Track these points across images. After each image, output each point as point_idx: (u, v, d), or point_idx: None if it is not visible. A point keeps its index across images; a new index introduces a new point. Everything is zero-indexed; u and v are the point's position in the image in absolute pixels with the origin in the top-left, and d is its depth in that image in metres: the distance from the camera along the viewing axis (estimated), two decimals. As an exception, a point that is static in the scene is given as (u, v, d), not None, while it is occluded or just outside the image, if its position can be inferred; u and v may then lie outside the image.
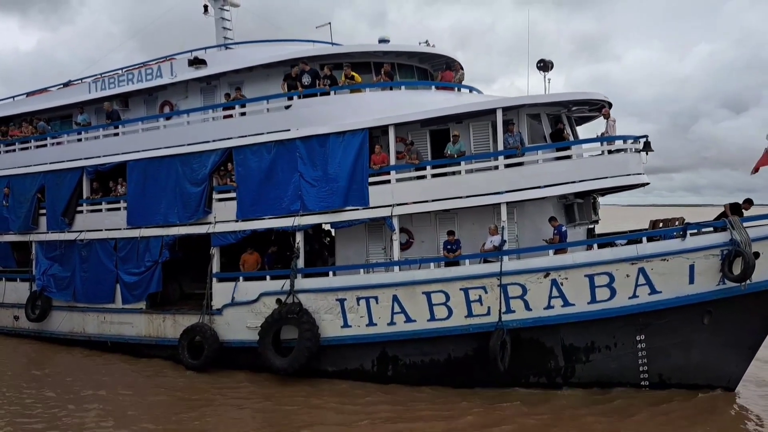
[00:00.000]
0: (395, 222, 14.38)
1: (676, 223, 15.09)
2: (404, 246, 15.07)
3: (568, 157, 13.91)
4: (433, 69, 18.07)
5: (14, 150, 20.66)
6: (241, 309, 15.40)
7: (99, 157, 18.30)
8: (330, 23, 18.48)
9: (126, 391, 14.02)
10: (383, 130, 14.98)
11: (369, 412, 12.36)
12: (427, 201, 14.26)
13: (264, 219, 15.55)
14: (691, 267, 12.59)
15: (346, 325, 14.44)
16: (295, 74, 15.63)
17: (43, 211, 19.50)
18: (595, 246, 13.26)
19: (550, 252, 13.40)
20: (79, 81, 20.62)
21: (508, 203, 13.76)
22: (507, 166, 13.78)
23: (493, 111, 14.21)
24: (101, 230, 18.08)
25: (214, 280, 16.06)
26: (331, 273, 15.02)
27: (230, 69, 17.23)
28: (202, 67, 17.57)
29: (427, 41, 17.45)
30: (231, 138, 16.04)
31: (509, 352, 13.03)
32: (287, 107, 15.67)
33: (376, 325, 14.21)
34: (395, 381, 14.21)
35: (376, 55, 16.60)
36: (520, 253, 13.69)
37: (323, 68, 15.67)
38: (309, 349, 14.17)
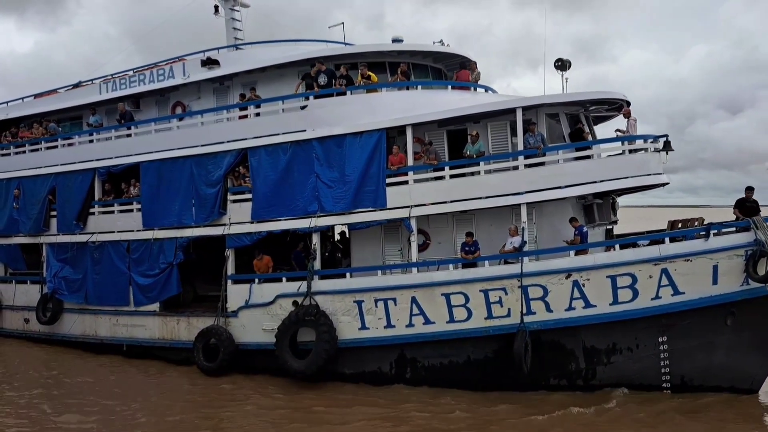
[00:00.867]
0: (413, 223, 14.24)
1: (695, 223, 14.97)
2: (421, 247, 14.93)
3: (588, 157, 13.79)
4: (447, 69, 17.94)
5: (24, 151, 20.53)
6: (256, 311, 15.27)
7: (111, 158, 18.17)
8: (343, 23, 18.34)
9: (140, 394, 13.92)
10: (400, 130, 14.86)
11: (394, 416, 12.18)
12: (445, 202, 14.12)
13: (280, 220, 15.42)
14: (715, 267, 12.47)
15: (363, 327, 14.31)
16: (313, 74, 15.47)
17: (54, 212, 19.36)
18: (617, 247, 13.13)
19: (571, 253, 13.26)
20: (90, 82, 20.50)
21: (528, 204, 13.61)
22: (527, 166, 13.64)
23: (510, 111, 14.08)
24: (113, 232, 17.94)
25: (229, 282, 15.92)
26: (348, 274, 14.88)
27: (243, 69, 17.11)
28: (215, 68, 17.45)
29: (441, 41, 17.32)
30: (246, 139, 15.91)
31: (531, 354, 12.90)
32: (303, 107, 15.53)
33: (394, 327, 14.08)
34: (413, 383, 14.08)
35: (391, 55, 16.46)
36: (541, 254, 13.55)
37: (338, 68, 15.53)
38: (327, 352, 14.03)
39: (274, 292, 15.10)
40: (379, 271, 14.51)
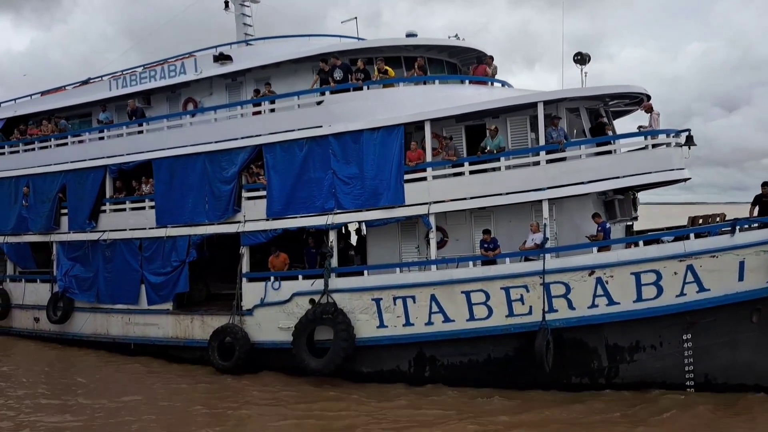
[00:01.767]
0: (432, 220, 14.04)
1: (717, 219, 14.79)
2: (439, 244, 14.69)
3: (609, 152, 13.58)
4: (461, 63, 17.72)
5: (33, 149, 20.33)
6: (272, 309, 15.08)
7: (122, 155, 17.98)
8: (356, 18, 18.14)
9: (159, 394, 13.76)
10: (417, 125, 14.66)
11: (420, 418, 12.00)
12: (465, 198, 13.92)
13: (296, 218, 15.22)
14: (741, 264, 12.26)
15: (382, 325, 14.12)
16: (327, 69, 15.25)
17: (65, 210, 19.17)
18: (641, 243, 12.94)
19: (594, 249, 13.06)
20: (99, 78, 20.29)
21: (549, 200, 13.41)
22: (549, 161, 13.43)
23: (530, 105, 13.89)
24: (125, 230, 17.75)
25: (244, 280, 15.73)
26: (365, 272, 14.68)
27: (257, 65, 16.89)
28: (227, 63, 17.23)
29: (456, 35, 17.07)
30: (260, 135, 15.70)
31: (552, 353, 12.72)
32: (319, 103, 15.33)
33: (413, 325, 13.89)
34: (432, 382, 13.90)
35: (407, 50, 16.25)
36: (562, 251, 13.33)
37: (354, 63, 15.32)
38: (345, 350, 13.85)
39: (290, 290, 14.91)
40: (398, 269, 14.31)
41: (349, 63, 15.49)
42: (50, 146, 19.84)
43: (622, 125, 16.51)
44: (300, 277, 15.09)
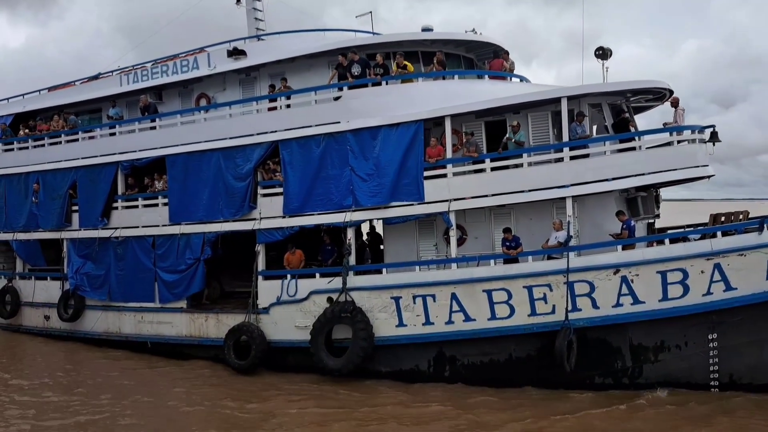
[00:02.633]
0: (452, 218, 13.82)
1: (740, 217, 14.56)
2: (457, 242, 14.50)
3: (633, 148, 13.35)
4: (477, 58, 17.47)
5: (43, 145, 20.11)
6: (289, 308, 14.88)
7: (134, 151, 17.76)
8: (371, 12, 17.87)
9: (176, 394, 13.57)
10: (436, 121, 14.43)
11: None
12: (486, 195, 13.70)
13: (313, 215, 15.00)
14: (770, 262, 12.05)
15: (401, 324, 13.92)
16: (345, 64, 15.01)
17: (75, 207, 18.95)
18: (667, 241, 12.73)
19: (618, 248, 12.85)
20: (110, 74, 20.07)
21: (572, 197, 13.19)
22: (572, 158, 13.20)
23: (552, 101, 13.66)
24: (137, 227, 17.54)
25: (260, 278, 15.53)
26: (384, 270, 14.47)
27: (271, 60, 16.64)
28: (241, 58, 16.99)
29: (474, 29, 16.84)
30: (276, 131, 15.48)
31: (575, 352, 12.54)
32: (336, 98, 15.09)
33: (433, 324, 13.69)
34: (451, 381, 13.71)
35: (424, 44, 16.01)
36: (586, 250, 13.10)
37: (372, 58, 15.08)
38: (364, 349, 13.67)
39: (307, 288, 14.71)
40: (418, 267, 14.11)
41: (367, 58, 15.24)
42: (61, 142, 19.61)
43: (642, 122, 16.27)
44: (317, 275, 14.88)
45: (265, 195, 15.69)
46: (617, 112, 14.76)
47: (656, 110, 16.73)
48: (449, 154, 14.10)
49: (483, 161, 13.88)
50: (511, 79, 15.85)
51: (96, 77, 20.71)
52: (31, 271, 20.51)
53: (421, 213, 14.09)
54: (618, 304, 12.60)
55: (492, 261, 13.56)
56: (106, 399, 13.21)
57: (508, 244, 13.49)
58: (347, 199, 14.60)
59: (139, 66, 19.35)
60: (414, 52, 15.88)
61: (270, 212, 15.53)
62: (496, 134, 14.46)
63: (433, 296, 13.62)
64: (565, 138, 13.32)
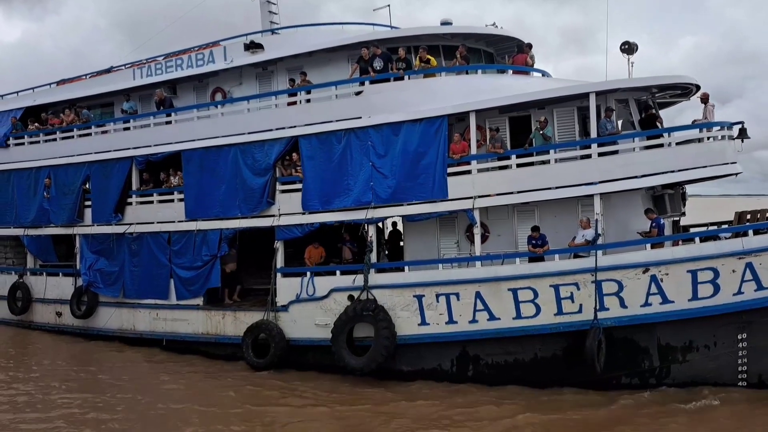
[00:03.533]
0: (477, 215, 13.59)
1: (767, 215, 14.35)
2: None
3: (662, 145, 13.12)
4: (497, 53, 17.22)
5: (55, 139, 19.85)
6: (309, 305, 14.68)
7: (149, 146, 17.50)
8: (389, 5, 17.57)
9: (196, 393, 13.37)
10: (459, 117, 14.19)
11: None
12: (512, 193, 13.48)
13: (333, 211, 14.78)
14: (802, 261, 11.85)
15: (423, 322, 13.72)
16: (367, 58, 14.74)
17: (88, 203, 18.71)
18: (697, 240, 12.52)
19: (647, 246, 12.64)
20: (123, 67, 19.80)
21: (600, 195, 12.96)
22: (600, 154, 12.97)
23: (579, 96, 13.41)
24: (153, 223, 17.32)
25: (279, 275, 15.32)
26: (406, 268, 14.26)
27: (290, 54, 16.38)
28: (258, 52, 16.73)
29: (494, 23, 16.58)
30: (295, 126, 15.23)
31: (604, 352, 12.34)
32: (358, 93, 14.84)
33: (456, 323, 13.49)
34: (475, 381, 13.51)
35: (444, 38, 15.75)
36: (614, 248, 12.92)
37: (395, 52, 14.81)
38: (387, 348, 13.46)
39: (328, 285, 14.50)
40: (440, 265, 13.90)
41: (388, 52, 14.99)
42: (73, 136, 19.35)
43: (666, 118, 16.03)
44: (337, 272, 14.67)
45: (284, 191, 15.46)
46: (644, 108, 14.51)
47: (674, 108, 16.56)
48: (473, 150, 13.87)
49: (508, 158, 13.64)
50: (532, 74, 15.60)
51: (108, 71, 20.45)
52: (43, 267, 20.28)
53: (445, 210, 13.86)
54: (646, 304, 12.40)
55: (517, 259, 13.34)
56: (128, 396, 13.06)
57: (534, 242, 13.27)
58: (368, 196, 14.37)
59: (151, 59, 19.09)
60: (435, 47, 15.62)
61: (289, 208, 15.30)
62: (520, 130, 14.23)
63: (457, 295, 13.42)
64: (592, 134, 13.08)
